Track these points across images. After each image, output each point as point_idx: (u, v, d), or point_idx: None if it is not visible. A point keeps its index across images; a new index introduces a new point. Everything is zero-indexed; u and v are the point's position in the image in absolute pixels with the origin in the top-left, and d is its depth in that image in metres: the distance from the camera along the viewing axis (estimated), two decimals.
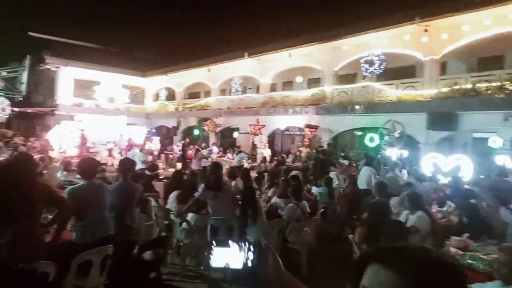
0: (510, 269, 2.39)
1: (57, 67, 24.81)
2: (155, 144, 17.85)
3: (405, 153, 13.09)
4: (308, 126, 16.58)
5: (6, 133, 16.66)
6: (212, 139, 21.98)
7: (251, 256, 1.16)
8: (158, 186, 7.52)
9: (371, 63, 14.40)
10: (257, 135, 18.26)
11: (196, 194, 5.22)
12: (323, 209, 6.25)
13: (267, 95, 19.93)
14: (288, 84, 20.71)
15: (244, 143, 19.60)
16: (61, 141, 14.94)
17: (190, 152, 13.81)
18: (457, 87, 12.44)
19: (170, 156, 14.73)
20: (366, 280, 0.84)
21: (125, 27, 46.77)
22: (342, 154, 15.89)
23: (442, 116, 12.52)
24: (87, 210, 3.66)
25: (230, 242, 1.20)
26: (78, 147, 14.81)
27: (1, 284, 2.58)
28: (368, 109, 14.76)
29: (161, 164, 12.55)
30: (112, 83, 25.98)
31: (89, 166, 3.98)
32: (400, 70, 15.39)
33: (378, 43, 14.68)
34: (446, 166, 10.11)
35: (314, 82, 18.93)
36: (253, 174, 10.47)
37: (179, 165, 12.20)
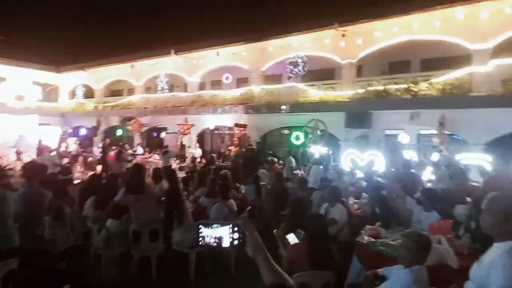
0: (411, 253, 2.64)
1: None
2: (71, 146, 16.42)
3: (327, 150, 13.92)
4: (237, 125, 16.70)
5: None
6: (137, 139, 20.97)
7: (236, 236, 1.35)
8: (75, 191, 6.93)
9: (295, 64, 15.01)
10: (186, 134, 17.88)
11: (116, 198, 4.91)
12: (250, 207, 6.33)
13: (195, 94, 19.61)
14: (217, 83, 20.61)
15: (172, 143, 19.00)
16: None
17: (112, 153, 12.96)
18: (371, 88, 13.55)
19: (90, 158, 13.65)
20: None
21: (37, 17, 41.97)
22: (271, 152, 16.32)
23: (359, 115, 13.55)
24: None
25: (215, 224, 1.38)
26: None
27: None
28: (293, 109, 15.36)
29: (79, 167, 11.55)
30: (21, 79, 23.27)
31: None
32: (322, 72, 16.29)
33: (301, 46, 15.37)
34: (362, 161, 10.98)
35: (242, 81, 19.13)
36: (183, 174, 10.25)
37: (100, 168, 11.39)
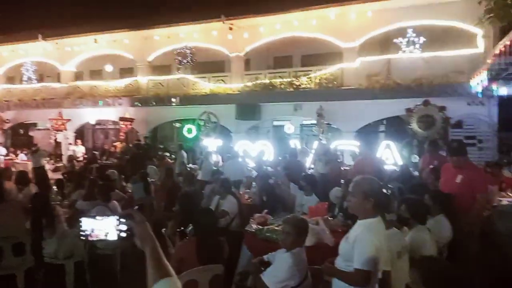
0: (291, 237, 2.79)
1: None
2: None
3: (220, 142, 14.04)
4: (123, 118, 15.56)
5: None
6: None
7: (123, 228, 1.28)
8: None
9: (183, 55, 14.63)
10: (61, 131, 15.88)
11: None
12: (137, 206, 5.94)
13: (71, 84, 17.47)
14: (96, 73, 18.71)
15: (45, 141, 16.74)
16: None
17: None
18: (258, 81, 14.10)
19: None
20: None
21: None
22: (161, 146, 15.70)
23: (248, 108, 14.00)
24: None
25: (98, 217, 1.31)
26: None
27: None
28: (184, 101, 15.01)
29: None
30: None
31: None
32: (212, 64, 16.26)
33: (189, 37, 15.03)
34: (253, 151, 11.38)
35: (127, 72, 17.79)
36: (59, 176, 9.03)
37: None
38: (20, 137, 18.83)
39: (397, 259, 2.76)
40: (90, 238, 1.31)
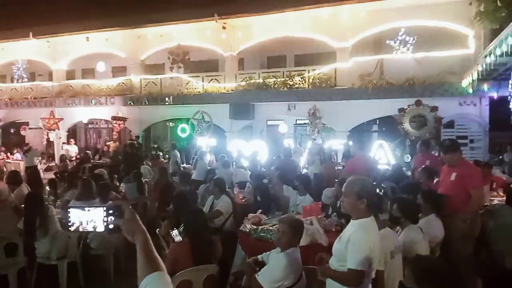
0: (286, 237, 2.81)
1: None
2: None
3: (213, 142, 14.02)
4: (115, 118, 15.46)
5: None
6: None
7: (112, 219, 1.26)
8: None
9: (176, 54, 14.57)
10: (53, 130, 15.72)
11: None
12: (131, 206, 5.91)
13: (63, 83, 17.30)
14: (89, 72, 18.54)
15: (37, 140, 16.55)
16: None
17: None
18: (252, 81, 14.10)
19: None
20: None
21: None
22: (155, 145, 15.64)
23: (242, 107, 13.99)
24: None
25: (87, 207, 1.29)
26: None
27: None
28: (177, 100, 14.96)
29: None
30: None
31: None
32: (205, 64, 16.22)
33: (182, 36, 14.94)
34: (247, 151, 11.37)
35: (119, 70, 17.66)
36: (51, 175, 8.96)
37: None
38: (11, 137, 18.60)
39: (390, 259, 2.79)
40: (79, 230, 1.29)
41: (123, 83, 16.22)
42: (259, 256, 3.13)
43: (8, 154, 14.51)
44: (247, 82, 14.12)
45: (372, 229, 2.41)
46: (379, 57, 12.42)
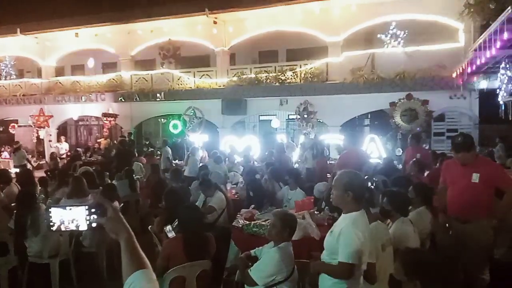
0: (279, 231, 2.84)
1: None
2: None
3: (206, 138, 13.99)
4: (106, 114, 15.30)
5: None
6: None
7: (94, 218, 1.24)
8: None
9: (167, 50, 14.44)
10: (43, 127, 15.52)
11: None
12: (123, 203, 5.88)
13: (52, 80, 17.05)
14: (78, 68, 18.29)
15: (27, 138, 16.36)
16: None
17: None
18: (244, 76, 14.05)
19: None
20: None
21: None
22: (147, 142, 15.54)
23: (234, 102, 13.95)
24: None
25: (68, 206, 1.26)
26: None
27: None
28: (169, 96, 14.86)
29: None
30: None
31: None
32: (197, 59, 16.09)
33: (173, 31, 14.80)
34: (240, 146, 11.38)
35: (109, 66, 17.45)
36: (42, 174, 8.86)
37: None
38: (0, 135, 18.31)
39: (382, 251, 2.82)
40: (61, 229, 1.27)
41: (113, 79, 16.04)
42: (252, 251, 3.15)
43: None
44: (239, 77, 14.06)
45: (361, 223, 2.43)
46: (370, 52, 12.45)
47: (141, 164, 9.77)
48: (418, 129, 11.06)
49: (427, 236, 3.66)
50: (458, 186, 3.62)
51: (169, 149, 11.15)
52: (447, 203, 3.70)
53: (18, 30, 16.16)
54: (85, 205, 1.27)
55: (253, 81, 13.81)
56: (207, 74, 14.95)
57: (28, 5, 17.41)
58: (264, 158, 8.84)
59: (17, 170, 8.95)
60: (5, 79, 17.33)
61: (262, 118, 15.57)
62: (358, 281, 2.45)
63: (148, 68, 16.10)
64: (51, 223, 1.27)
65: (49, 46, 16.90)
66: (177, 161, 11.41)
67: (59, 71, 18.12)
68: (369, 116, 14.37)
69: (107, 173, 8.30)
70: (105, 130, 15.54)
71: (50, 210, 1.26)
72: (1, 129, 18.48)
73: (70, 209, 1.26)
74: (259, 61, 15.58)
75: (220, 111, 14.15)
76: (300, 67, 13.38)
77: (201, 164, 8.70)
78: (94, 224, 1.25)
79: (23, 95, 16.94)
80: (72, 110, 16.57)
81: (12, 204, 5.01)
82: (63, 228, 1.26)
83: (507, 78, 7.56)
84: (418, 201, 3.77)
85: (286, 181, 5.19)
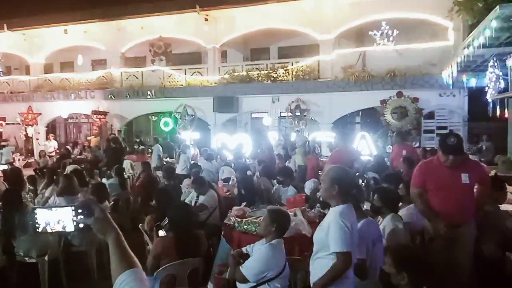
0: (265, 223, 2.87)
1: None
2: None
3: (197, 135, 13.93)
4: (96, 112, 15.12)
5: None
6: None
7: (81, 218, 1.21)
8: None
9: (158, 47, 14.31)
10: (32, 125, 15.28)
11: None
12: (113, 202, 5.83)
13: (40, 77, 16.79)
14: (67, 65, 18.03)
15: (16, 136, 16.09)
16: None
17: None
18: (236, 74, 14.01)
19: None
20: None
21: None
22: (137, 140, 15.41)
23: (226, 100, 13.89)
24: None
25: (54, 207, 1.25)
26: None
27: None
28: (159, 94, 14.75)
29: None
30: None
31: None
32: (188, 56, 16.00)
33: (163, 28, 14.66)
34: (231, 144, 11.35)
35: (99, 63, 17.24)
36: (30, 172, 8.73)
37: None
38: None
39: (372, 247, 2.84)
40: (46, 231, 1.25)
41: (103, 76, 15.85)
42: (244, 249, 3.14)
43: None
44: (231, 74, 14.01)
45: (348, 215, 2.42)
46: (361, 50, 12.51)
47: (131, 162, 9.70)
48: (409, 126, 11.17)
49: (418, 232, 3.70)
50: (449, 190, 3.31)
51: (160, 147, 11.08)
52: (430, 208, 3.40)
53: (5, 26, 15.89)
54: (71, 206, 1.25)
55: (245, 78, 13.78)
56: (198, 72, 14.87)
57: (16, 0, 17.11)
58: (256, 156, 8.84)
59: (5, 167, 8.80)
60: None
61: (254, 115, 15.55)
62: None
63: (138, 65, 15.95)
64: (37, 225, 1.25)
65: (37, 43, 16.64)
66: (168, 158, 11.34)
67: (48, 68, 17.83)
68: (360, 114, 14.46)
69: (97, 171, 8.22)
70: (95, 128, 15.36)
71: (35, 211, 1.25)
72: None
73: (56, 210, 1.25)
74: (250, 58, 15.54)
75: (212, 108, 14.09)
76: (292, 65, 13.39)
77: (192, 162, 8.66)
78: (81, 225, 1.23)
79: (11, 93, 16.67)
80: (61, 108, 16.33)
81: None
82: (49, 230, 1.24)
83: (495, 76, 7.67)
84: (408, 198, 3.80)
85: (278, 180, 5.19)
